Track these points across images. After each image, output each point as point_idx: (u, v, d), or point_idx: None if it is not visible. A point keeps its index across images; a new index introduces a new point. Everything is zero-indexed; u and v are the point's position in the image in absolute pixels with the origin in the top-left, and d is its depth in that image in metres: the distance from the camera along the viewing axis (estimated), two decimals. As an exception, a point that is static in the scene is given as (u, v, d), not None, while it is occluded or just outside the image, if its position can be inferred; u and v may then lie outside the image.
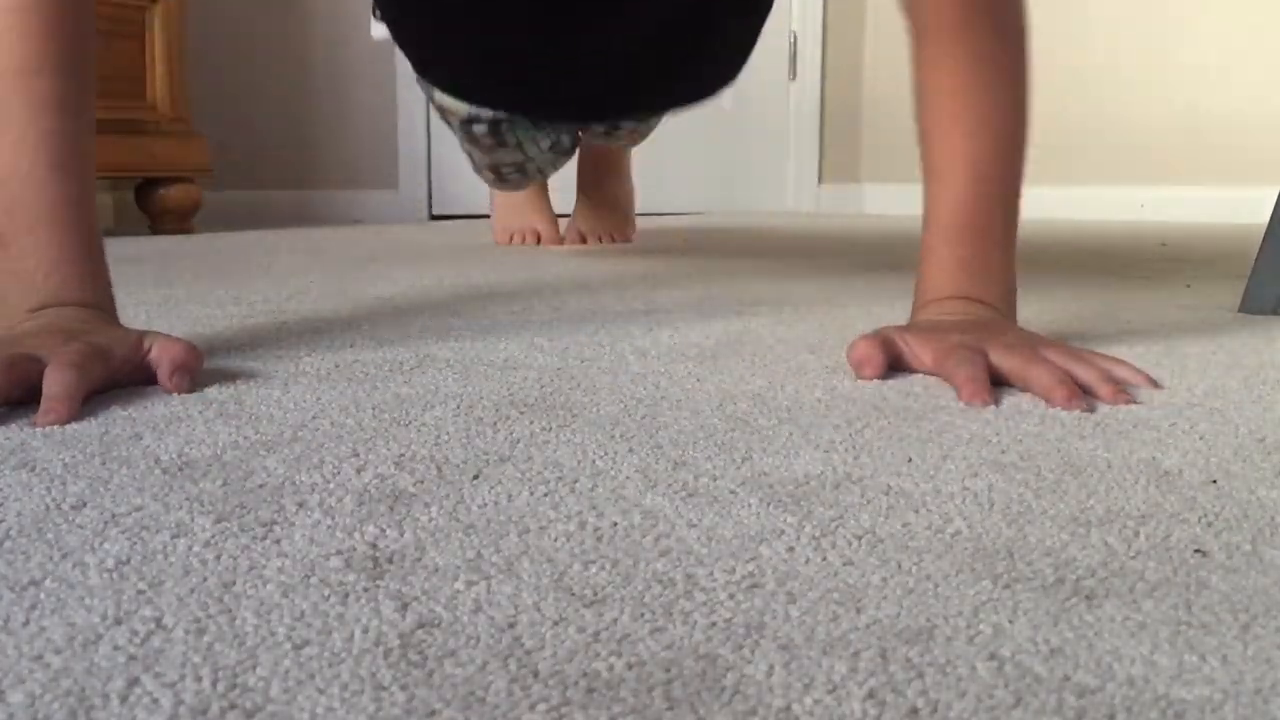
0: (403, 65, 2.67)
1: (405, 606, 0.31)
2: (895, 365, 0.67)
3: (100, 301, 0.65)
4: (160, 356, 0.61)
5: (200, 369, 0.63)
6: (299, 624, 0.30)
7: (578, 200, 1.89)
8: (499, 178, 1.64)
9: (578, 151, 1.86)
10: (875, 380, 0.65)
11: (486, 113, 1.42)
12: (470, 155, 1.61)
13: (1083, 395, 0.58)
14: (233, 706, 0.25)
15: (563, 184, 1.91)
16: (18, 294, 0.63)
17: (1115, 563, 0.35)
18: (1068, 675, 0.27)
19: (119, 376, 0.60)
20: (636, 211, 2.01)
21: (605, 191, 1.88)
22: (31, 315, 0.62)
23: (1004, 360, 0.62)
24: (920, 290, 0.72)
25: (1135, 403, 0.59)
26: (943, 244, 0.71)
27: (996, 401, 0.59)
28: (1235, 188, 2.71)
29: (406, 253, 1.66)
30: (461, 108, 1.43)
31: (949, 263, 0.71)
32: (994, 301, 0.70)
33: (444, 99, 1.43)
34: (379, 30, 1.44)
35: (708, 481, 0.44)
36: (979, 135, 0.70)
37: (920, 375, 0.66)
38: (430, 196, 2.78)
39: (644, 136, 1.77)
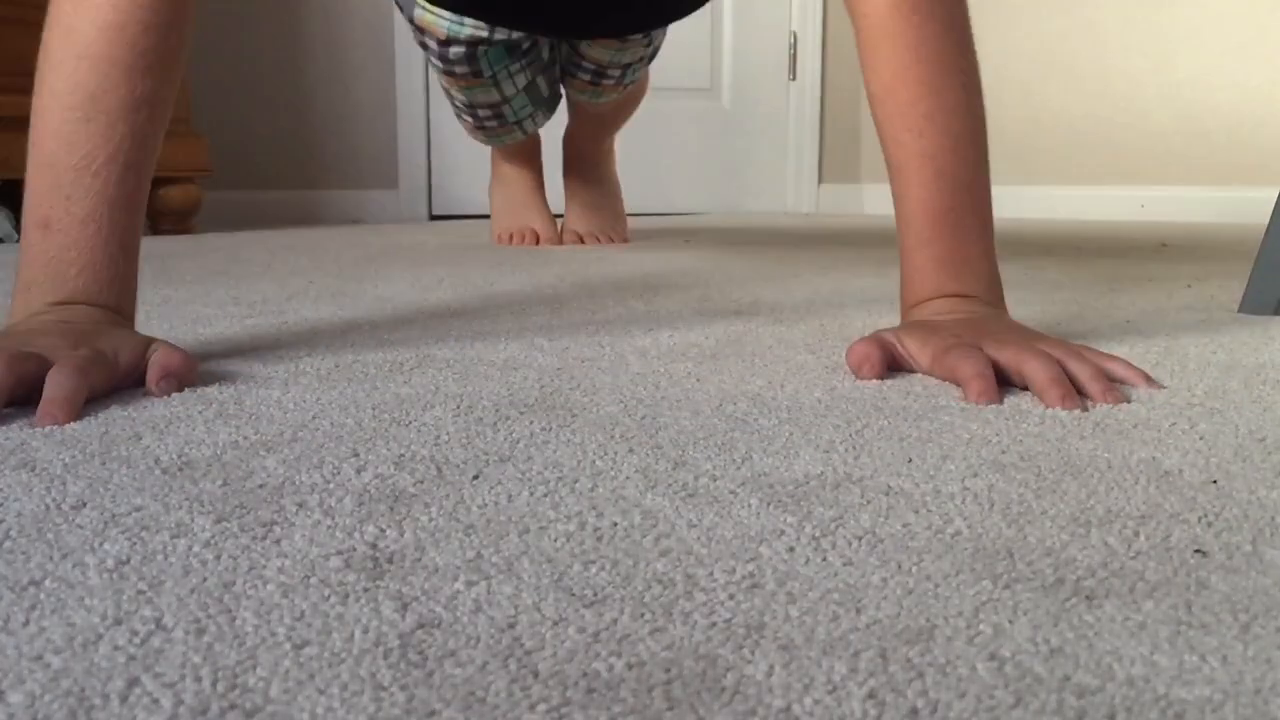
0: (403, 65, 2.67)
1: (405, 606, 0.31)
2: (892, 367, 0.67)
3: (120, 306, 0.66)
4: (153, 361, 0.61)
5: (193, 376, 0.63)
6: (299, 624, 0.30)
7: (567, 204, 1.90)
8: (478, 124, 1.67)
9: (564, 153, 1.87)
10: (875, 380, 0.65)
11: (465, 31, 1.46)
12: (450, 96, 1.64)
13: (1076, 395, 0.58)
14: (233, 706, 0.25)
15: (561, 184, 1.91)
16: (47, 283, 0.64)
17: (1115, 563, 0.35)
18: (1068, 675, 0.27)
19: (122, 382, 0.60)
20: (636, 212, 2.01)
21: (595, 191, 1.89)
22: (52, 309, 0.63)
23: (1000, 353, 0.62)
24: (904, 294, 0.72)
25: (1126, 401, 0.59)
26: (917, 245, 0.71)
27: (1002, 399, 0.59)
28: (1235, 188, 2.71)
29: (406, 253, 1.66)
30: (440, 24, 1.45)
31: (927, 263, 0.70)
32: (978, 294, 0.70)
33: (424, 16, 1.46)
34: None
35: (708, 481, 0.44)
36: (927, 131, 0.70)
37: (919, 375, 0.66)
38: (430, 196, 2.78)
39: (628, 106, 1.79)
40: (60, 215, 0.63)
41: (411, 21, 1.52)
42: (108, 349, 0.59)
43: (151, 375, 0.60)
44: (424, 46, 1.55)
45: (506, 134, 1.71)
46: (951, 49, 0.72)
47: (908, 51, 0.71)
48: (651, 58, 1.66)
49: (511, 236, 1.84)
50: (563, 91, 1.72)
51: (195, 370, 0.64)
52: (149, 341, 0.63)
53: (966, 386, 0.60)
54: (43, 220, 0.64)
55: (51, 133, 0.64)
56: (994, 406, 0.58)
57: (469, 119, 1.68)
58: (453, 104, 1.69)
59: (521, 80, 1.58)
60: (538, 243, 1.83)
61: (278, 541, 0.37)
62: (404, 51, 2.68)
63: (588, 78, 1.63)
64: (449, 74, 1.55)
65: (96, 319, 0.63)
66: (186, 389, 0.61)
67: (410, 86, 2.70)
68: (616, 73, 1.61)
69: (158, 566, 0.34)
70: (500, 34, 1.49)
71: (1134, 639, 0.29)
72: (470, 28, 1.47)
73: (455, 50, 1.50)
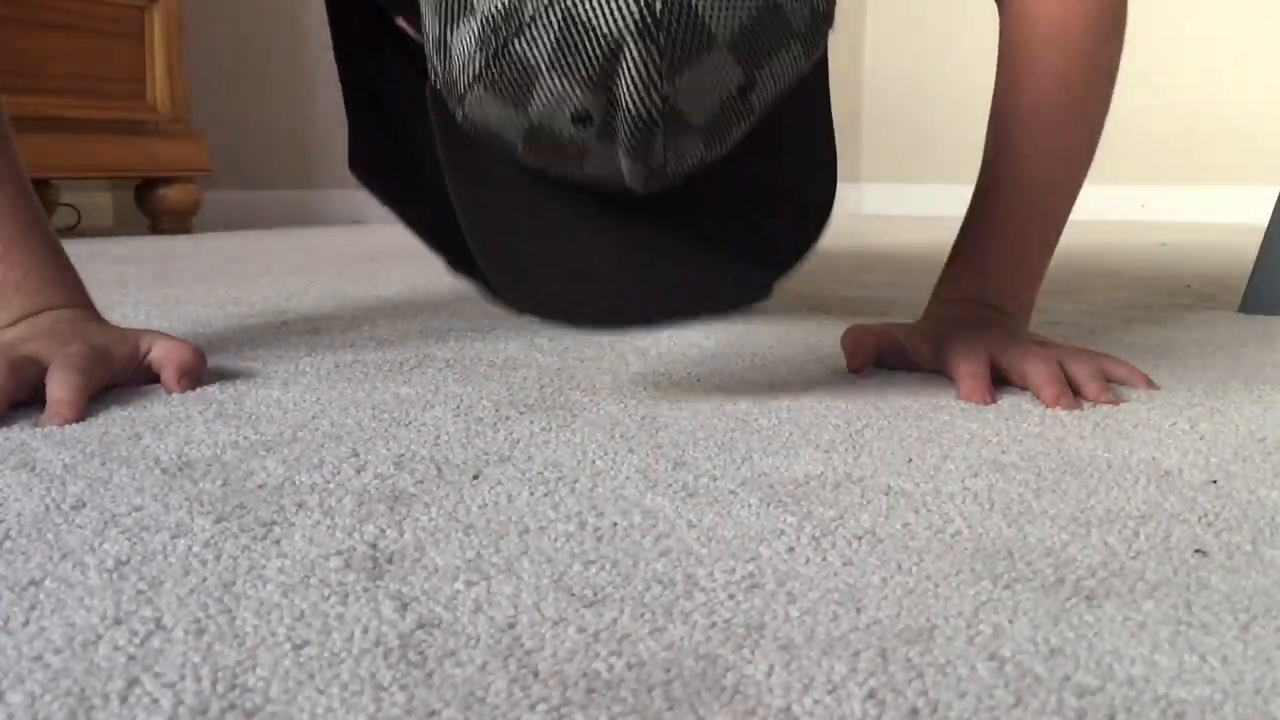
0: (403, 65, 2.67)
1: (405, 606, 0.31)
2: (897, 360, 0.67)
3: (82, 301, 0.65)
4: (164, 358, 0.61)
5: (205, 370, 0.63)
6: (299, 624, 0.30)
7: None
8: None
9: None
10: (867, 373, 0.65)
11: None
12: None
13: (1072, 394, 0.58)
14: (233, 706, 0.25)
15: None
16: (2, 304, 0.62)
17: (1115, 563, 0.35)
18: (1068, 675, 0.27)
19: (120, 377, 0.60)
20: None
21: None
22: (13, 324, 0.61)
23: (1002, 355, 0.62)
24: (939, 286, 0.72)
25: (1122, 401, 0.59)
26: (973, 250, 0.71)
27: (995, 400, 0.59)
28: (1235, 188, 2.71)
29: (406, 253, 1.66)
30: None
31: (973, 268, 0.70)
32: (1008, 311, 0.69)
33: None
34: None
35: (708, 481, 0.44)
36: (1038, 160, 0.69)
37: (920, 375, 0.66)
38: (430, 196, 2.78)
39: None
40: None
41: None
42: (100, 344, 0.59)
43: (168, 374, 0.60)
44: None
45: None
46: (1097, 83, 0.71)
47: (1057, 79, 0.69)
48: None
49: None
50: None
51: (204, 359, 0.63)
52: (139, 333, 0.62)
53: (959, 383, 0.60)
54: None
55: None
56: (994, 406, 0.58)
57: None
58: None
59: None
60: None
61: (278, 541, 0.37)
62: (404, 51, 2.67)
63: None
64: None
65: (72, 318, 0.62)
66: (197, 385, 0.61)
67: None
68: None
69: (157, 566, 0.34)
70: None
71: (1134, 639, 0.29)
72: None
73: None
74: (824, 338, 0.82)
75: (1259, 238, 1.01)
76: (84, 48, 1.90)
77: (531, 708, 0.26)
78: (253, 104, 2.67)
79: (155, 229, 2.15)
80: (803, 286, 1.18)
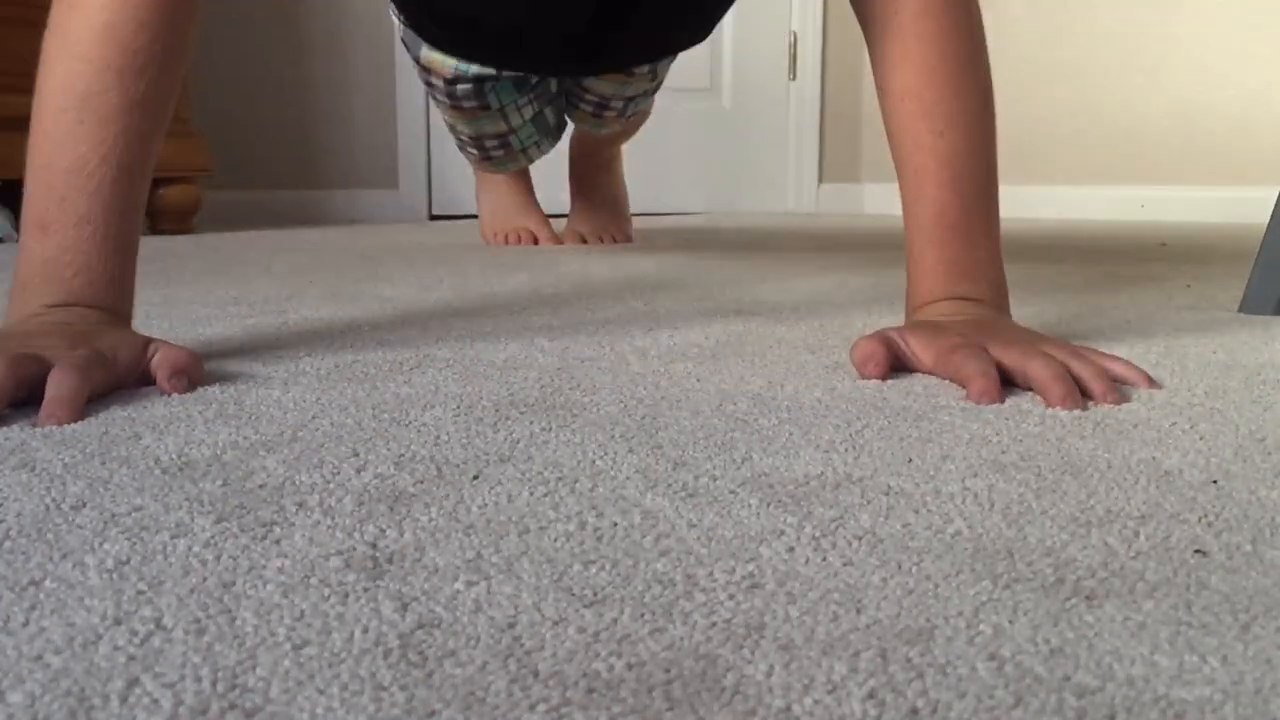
0: (403, 64, 2.67)
1: (405, 606, 0.31)
2: (896, 365, 0.67)
3: (118, 306, 0.66)
4: (160, 362, 0.61)
5: (200, 374, 0.63)
6: (299, 624, 0.30)
7: (573, 203, 1.90)
8: (483, 154, 1.66)
9: (570, 153, 1.87)
10: (876, 380, 0.65)
11: (472, 70, 1.45)
12: (454, 128, 1.63)
13: (1078, 395, 0.58)
14: (232, 707, 0.25)
15: (556, 184, 1.91)
16: (42, 285, 0.63)
17: (1115, 563, 0.35)
18: (1068, 675, 0.27)
19: (122, 382, 0.60)
20: (636, 212, 2.01)
21: (600, 192, 1.89)
22: (48, 310, 0.63)
23: (1004, 355, 0.62)
24: (911, 294, 0.73)
25: (1126, 401, 0.59)
26: (928, 246, 0.71)
27: (1004, 399, 0.59)
28: (1235, 188, 2.71)
29: (406, 253, 1.66)
30: (448, 64, 1.45)
31: (937, 265, 0.71)
32: (986, 298, 0.70)
33: (431, 55, 1.46)
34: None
35: (708, 481, 0.44)
36: (949, 133, 0.70)
37: (920, 375, 0.66)
38: (430, 196, 2.78)
39: (633, 127, 1.78)
40: (55, 217, 0.63)
41: (417, 61, 1.51)
42: (106, 349, 0.59)
43: (161, 374, 0.60)
44: (429, 84, 1.54)
45: (512, 161, 1.70)
46: (973, 53, 0.72)
47: (935, 53, 0.71)
48: (655, 90, 1.65)
49: (506, 236, 1.84)
50: (568, 120, 1.72)
51: (202, 367, 0.64)
52: (147, 341, 0.63)
53: (970, 385, 0.60)
54: (39, 222, 0.64)
55: (46, 135, 0.64)
56: (994, 406, 0.58)
57: (475, 151, 1.67)
58: (457, 138, 1.67)
59: (529, 111, 1.58)
60: (536, 243, 1.82)
61: (278, 541, 0.37)
62: (404, 52, 2.68)
63: (590, 109, 1.61)
64: (456, 108, 1.54)
65: (94, 320, 0.63)
66: (192, 386, 0.61)
67: (410, 87, 2.70)
68: (620, 104, 1.60)
69: (158, 566, 0.34)
70: (508, 71, 1.48)
71: (1134, 639, 0.29)
72: (477, 67, 1.47)
73: (463, 87, 1.49)
74: (824, 338, 0.82)
75: (1259, 238, 1.01)
76: (84, 48, 1.89)
77: (531, 708, 0.26)
78: (253, 104, 2.67)
79: (155, 229, 2.15)
80: (802, 286, 1.18)
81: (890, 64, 0.72)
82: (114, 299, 0.65)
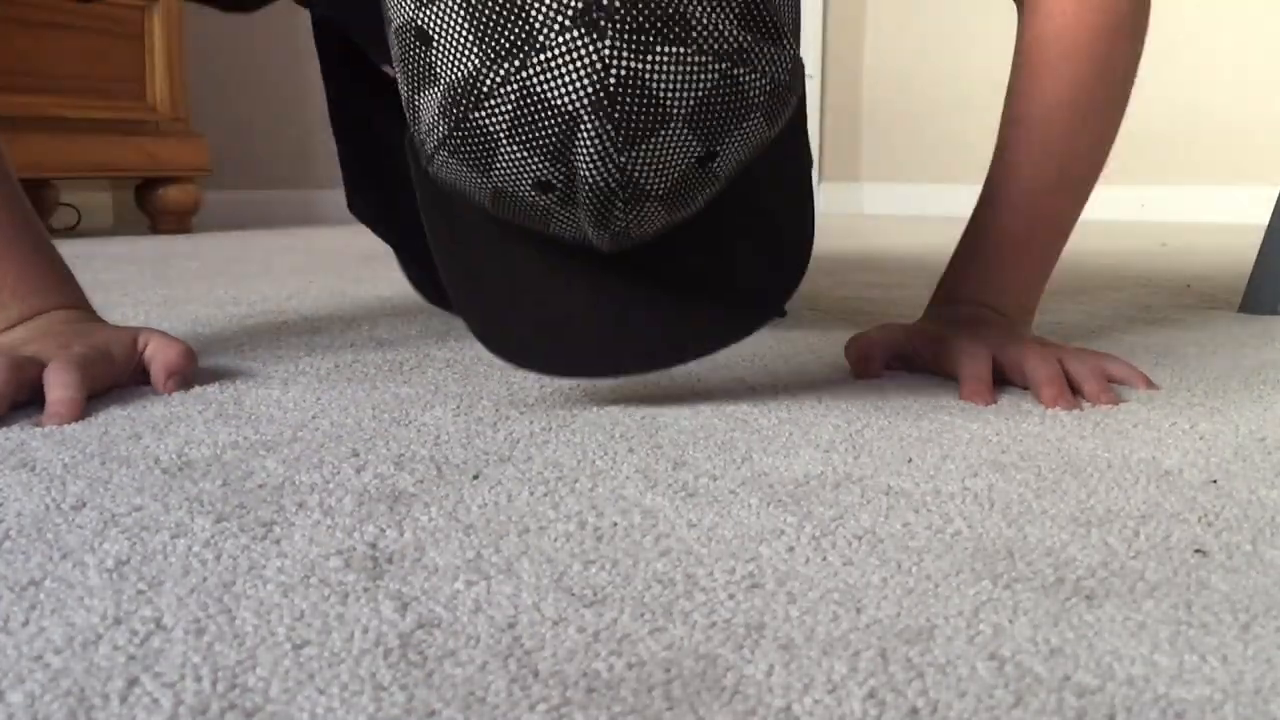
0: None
1: (405, 606, 0.31)
2: (898, 361, 0.67)
3: (78, 302, 0.65)
4: (154, 357, 0.61)
5: (193, 370, 0.63)
6: (299, 624, 0.30)
7: None
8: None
9: None
10: (874, 378, 0.65)
11: None
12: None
13: (1070, 395, 0.58)
14: (233, 706, 0.25)
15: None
16: (10, 301, 0.61)
17: (1115, 563, 0.35)
18: (1068, 675, 0.27)
19: (122, 377, 0.60)
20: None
21: None
22: (10, 329, 0.61)
23: (1003, 354, 0.62)
24: (941, 285, 0.72)
25: (1121, 401, 0.59)
26: (976, 252, 0.70)
27: (996, 401, 0.59)
28: (1235, 188, 2.71)
29: (406, 253, 1.65)
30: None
31: (976, 269, 0.70)
32: (1009, 313, 0.69)
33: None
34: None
35: (708, 481, 0.44)
36: (1046, 166, 0.69)
37: (920, 375, 0.66)
38: (430, 196, 2.78)
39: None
40: None
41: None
42: (100, 344, 0.59)
43: (157, 377, 0.60)
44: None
45: None
46: (1110, 93, 0.70)
47: (1070, 88, 0.68)
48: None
49: None
50: None
51: (194, 359, 0.63)
52: (136, 333, 0.62)
53: (961, 385, 0.60)
54: None
55: None
56: (994, 406, 0.58)
57: None
58: None
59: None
60: None
61: (278, 541, 0.37)
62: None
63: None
64: None
65: (72, 318, 0.62)
66: (187, 385, 0.61)
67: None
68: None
69: (157, 566, 0.34)
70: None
71: (1134, 639, 0.29)
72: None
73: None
74: (824, 338, 0.82)
75: (1259, 238, 1.01)
76: (84, 48, 1.90)
77: (531, 708, 0.26)
78: (253, 104, 2.67)
79: (155, 229, 2.15)
80: (802, 287, 1.18)
81: (1029, 75, 0.69)
82: (62, 297, 0.63)
